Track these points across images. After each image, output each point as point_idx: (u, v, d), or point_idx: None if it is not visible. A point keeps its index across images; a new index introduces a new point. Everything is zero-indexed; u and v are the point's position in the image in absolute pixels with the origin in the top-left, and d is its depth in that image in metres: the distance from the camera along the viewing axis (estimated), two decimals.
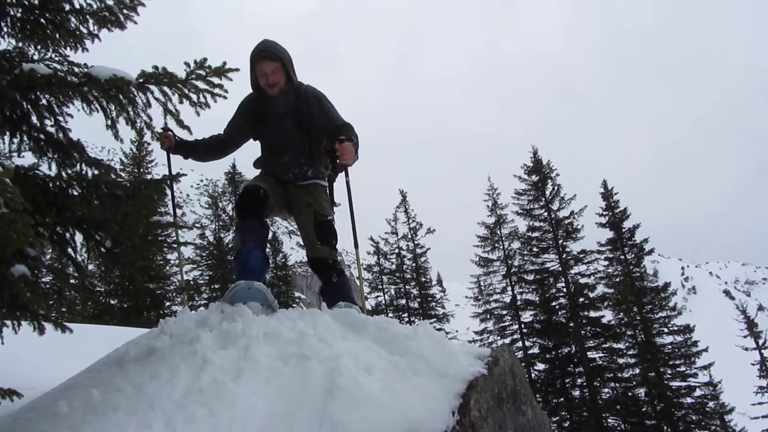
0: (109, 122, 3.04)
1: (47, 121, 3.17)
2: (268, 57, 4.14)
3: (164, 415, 2.38)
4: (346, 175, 4.42)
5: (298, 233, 4.42)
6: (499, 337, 27.21)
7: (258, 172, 4.49)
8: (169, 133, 4.23)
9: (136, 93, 2.95)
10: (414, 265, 29.51)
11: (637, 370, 24.51)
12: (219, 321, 3.17)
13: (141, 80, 2.89)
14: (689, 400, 23.62)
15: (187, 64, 2.92)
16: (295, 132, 4.28)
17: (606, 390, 24.68)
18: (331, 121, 4.22)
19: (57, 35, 3.82)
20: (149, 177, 23.26)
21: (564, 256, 26.27)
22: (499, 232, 28.64)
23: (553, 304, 26.34)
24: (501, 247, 28.44)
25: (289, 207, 4.38)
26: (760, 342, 25.05)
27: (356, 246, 4.52)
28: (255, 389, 2.57)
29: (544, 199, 27.28)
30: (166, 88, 2.98)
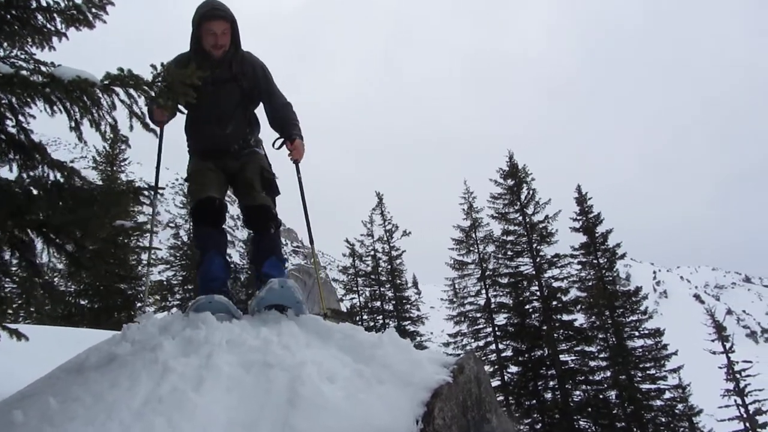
0: (73, 124, 2.98)
1: (8, 122, 3.10)
2: (220, 16, 3.93)
3: (122, 425, 2.34)
4: (297, 171, 4.37)
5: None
6: (472, 340, 27.32)
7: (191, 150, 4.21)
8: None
9: (101, 95, 2.90)
10: (389, 267, 29.49)
11: (608, 373, 24.81)
12: (182, 328, 3.13)
13: (106, 82, 2.84)
14: (659, 402, 23.99)
15: (154, 67, 2.88)
16: (239, 101, 4.15)
17: (577, 392, 24.93)
18: (275, 98, 4.25)
19: (23, 33, 3.75)
20: (122, 175, 22.91)
21: (538, 259, 26.49)
22: (474, 235, 28.77)
23: (527, 307, 26.54)
24: (476, 250, 28.58)
25: (231, 177, 4.14)
26: (728, 346, 25.47)
27: (311, 242, 4.54)
28: (216, 398, 2.54)
29: (519, 203, 27.48)
30: (132, 91, 2.93)
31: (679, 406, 24.14)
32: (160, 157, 4.29)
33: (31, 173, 3.17)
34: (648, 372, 24.40)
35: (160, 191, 3.91)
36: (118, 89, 2.89)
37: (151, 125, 3.15)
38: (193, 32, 4.00)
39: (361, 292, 29.44)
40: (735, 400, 24.58)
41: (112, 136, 3.15)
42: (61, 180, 2.99)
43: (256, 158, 4.25)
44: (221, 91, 4.06)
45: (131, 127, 2.99)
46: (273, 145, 4.30)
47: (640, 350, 24.84)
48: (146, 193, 3.30)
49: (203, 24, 3.93)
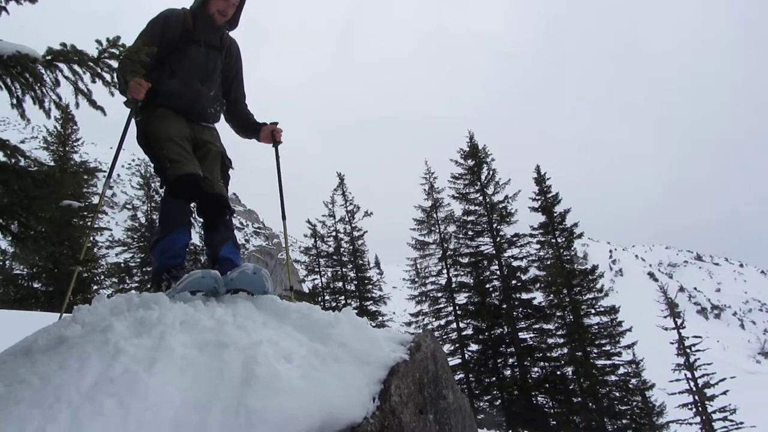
0: (14, 101, 2.88)
1: None
2: None
3: (70, 407, 2.29)
4: (277, 153, 4.57)
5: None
6: (434, 319, 27.66)
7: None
8: (140, 79, 3.67)
9: (43, 71, 2.80)
10: (351, 248, 29.53)
11: (566, 350, 25.45)
12: (135, 308, 3.07)
13: (48, 57, 2.74)
14: (613, 377, 24.72)
15: (99, 42, 2.79)
16: (220, 70, 4.23)
17: (536, 369, 25.54)
18: (242, 91, 4.48)
19: None
20: (75, 156, 22.32)
21: (498, 239, 26.88)
22: (435, 215, 29.01)
23: (487, 286, 26.95)
24: (437, 230, 28.83)
25: (193, 147, 4.06)
26: (679, 322, 26.29)
27: (284, 218, 4.60)
28: (169, 379, 2.50)
29: (479, 183, 27.78)
30: (76, 67, 2.83)
31: (633, 380, 24.92)
32: (123, 139, 4.14)
33: None
34: (603, 348, 25.09)
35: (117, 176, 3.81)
36: (61, 65, 2.79)
37: (98, 103, 3.05)
38: None
39: (323, 272, 29.44)
40: (685, 374, 25.46)
41: (60, 115, 3.05)
42: (3, 159, 2.88)
43: (218, 140, 4.26)
44: (209, 55, 4.11)
45: (77, 105, 2.90)
46: (254, 128, 4.45)
47: (596, 327, 25.50)
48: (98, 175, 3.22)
49: None
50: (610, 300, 26.89)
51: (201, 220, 4.07)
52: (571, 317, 25.65)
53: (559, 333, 25.86)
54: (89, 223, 19.10)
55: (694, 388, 24.99)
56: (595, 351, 24.99)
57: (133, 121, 4.02)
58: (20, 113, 2.90)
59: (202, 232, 4.23)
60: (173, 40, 3.95)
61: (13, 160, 3.03)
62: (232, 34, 4.39)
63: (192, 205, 4.03)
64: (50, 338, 2.98)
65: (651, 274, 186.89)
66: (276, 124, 4.46)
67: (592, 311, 25.72)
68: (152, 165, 4.06)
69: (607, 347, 25.06)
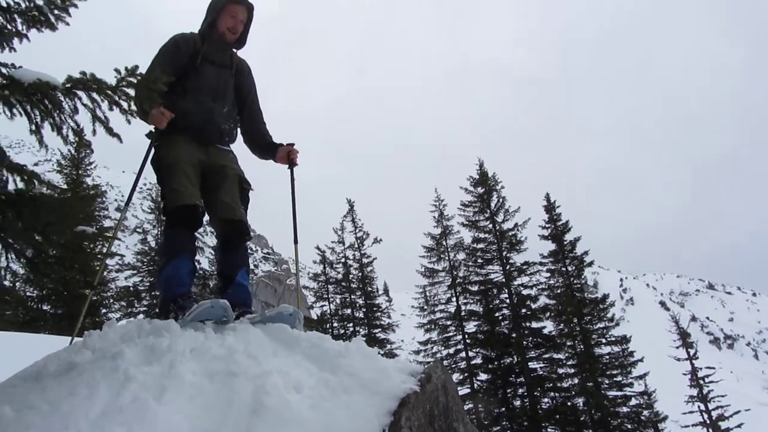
0: (33, 127, 2.92)
1: None
2: (247, 6, 4.18)
3: None
4: (292, 175, 4.55)
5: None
6: (443, 348, 27.38)
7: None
8: (164, 109, 3.70)
9: (62, 98, 2.84)
10: (360, 274, 29.45)
11: (576, 380, 25.06)
12: (145, 335, 3.07)
13: (68, 85, 2.78)
14: (625, 409, 24.26)
15: (117, 71, 2.83)
16: (231, 89, 4.25)
17: (546, 399, 25.14)
18: (258, 110, 4.48)
19: None
20: (88, 179, 22.51)
21: (507, 267, 26.71)
22: (445, 243, 28.91)
23: (497, 314, 26.70)
24: (447, 258, 28.70)
25: (208, 172, 4.04)
26: (692, 352, 25.95)
27: (296, 242, 4.55)
28: (178, 408, 2.49)
29: (489, 210, 27.71)
30: (95, 95, 2.87)
31: (645, 412, 24.47)
32: (142, 170, 4.11)
33: None
34: (615, 379, 24.70)
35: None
36: (80, 93, 2.83)
37: (115, 131, 3.08)
38: (212, 12, 4.13)
39: (331, 299, 29.33)
40: (699, 406, 25.05)
41: (75, 140, 3.09)
42: (21, 184, 2.91)
43: (236, 162, 4.25)
44: (221, 73, 4.15)
45: (94, 132, 2.93)
46: (270, 148, 4.43)
47: (607, 357, 25.15)
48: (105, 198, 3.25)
49: (228, 6, 4.10)
50: (621, 329, 26.58)
51: (211, 244, 4.08)
52: (581, 347, 25.32)
53: (569, 363, 25.49)
54: (103, 249, 19.27)
55: (708, 421, 24.55)
56: (607, 381, 24.62)
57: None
58: (38, 139, 2.94)
59: (214, 255, 4.22)
60: (184, 63, 4.00)
61: (29, 186, 3.06)
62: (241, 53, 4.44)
63: (202, 230, 4.03)
64: (60, 363, 2.97)
65: (662, 303, 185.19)
66: (292, 145, 4.45)
67: (603, 341, 25.38)
68: (160, 191, 4.07)
69: (619, 378, 24.68)
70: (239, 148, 4.44)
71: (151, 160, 4.04)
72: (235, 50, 4.33)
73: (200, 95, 4.02)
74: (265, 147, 4.49)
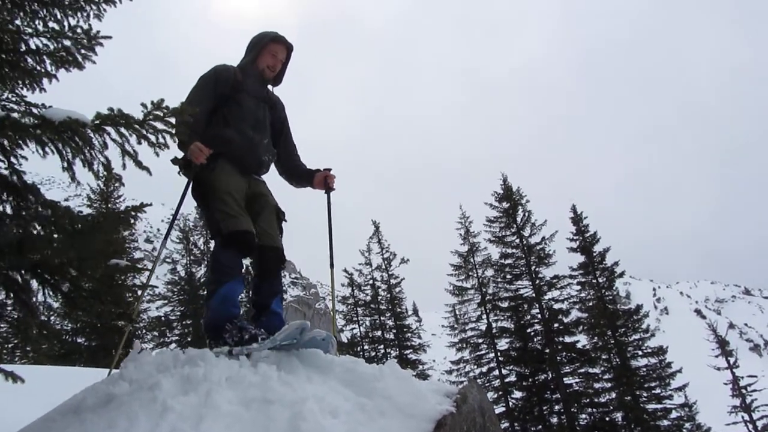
0: (65, 164, 2.98)
1: (0, 164, 3.10)
2: (287, 45, 4.34)
3: None
4: (329, 200, 4.59)
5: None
6: (475, 366, 27.12)
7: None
8: (201, 145, 3.77)
9: (92, 135, 2.90)
10: (389, 295, 29.39)
11: (614, 395, 24.59)
12: (180, 365, 3.08)
13: (97, 122, 2.85)
14: (666, 422, 23.72)
15: (144, 105, 2.89)
16: (269, 122, 4.32)
17: (583, 416, 24.68)
18: (292, 143, 4.57)
19: (13, 75, 3.78)
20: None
21: (537, 282, 26.44)
22: (472, 260, 28.75)
23: (529, 330, 26.40)
24: (475, 275, 28.53)
25: (249, 200, 4.07)
26: (732, 361, 25.32)
27: (332, 266, 4.56)
28: None
29: (515, 225, 27.55)
30: (123, 130, 2.93)
31: (687, 425, 23.90)
32: (180, 206, 4.16)
33: (25, 214, 3.15)
34: (653, 392, 24.20)
35: (158, 233, 3.87)
36: (109, 129, 2.89)
37: (144, 164, 3.13)
38: (252, 49, 4.28)
39: (361, 321, 29.29)
40: (742, 417, 24.40)
41: (105, 174, 3.15)
42: (55, 220, 2.98)
43: (270, 192, 4.29)
44: (259, 105, 4.24)
45: (124, 166, 2.98)
46: (307, 175, 4.49)
47: (644, 369, 24.66)
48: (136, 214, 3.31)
49: (270, 45, 4.27)
50: (657, 340, 26.06)
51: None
52: (617, 360, 24.87)
53: (605, 377, 25.05)
54: (135, 280, 19.56)
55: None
56: (645, 395, 24.11)
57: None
58: (71, 176, 3.00)
59: (252, 282, 4.20)
60: (225, 93, 4.08)
61: (63, 222, 3.12)
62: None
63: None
64: (98, 396, 2.99)
65: (698, 311, 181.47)
66: (329, 170, 4.51)
67: (639, 353, 24.90)
68: (204, 216, 4.11)
69: (657, 390, 24.15)
70: (269, 177, 4.48)
71: (193, 187, 4.04)
72: (271, 87, 4.45)
73: (241, 125, 4.07)
74: (302, 175, 4.55)
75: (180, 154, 3.98)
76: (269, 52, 4.26)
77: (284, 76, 4.46)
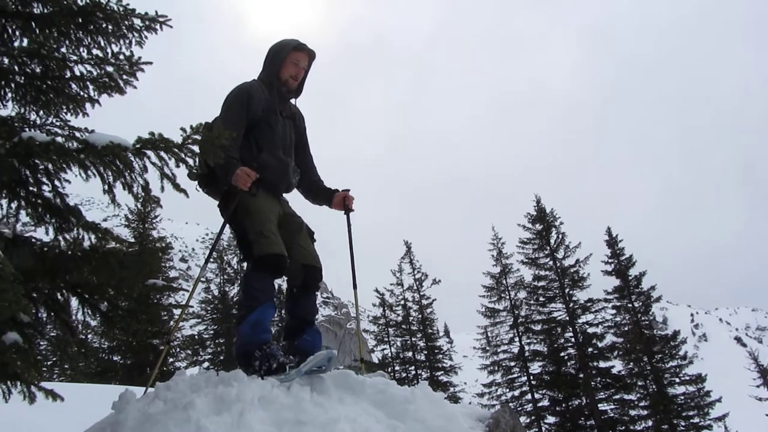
0: (106, 187, 3.06)
1: (44, 187, 3.20)
2: (309, 53, 4.23)
3: None
4: (348, 220, 4.52)
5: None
6: (507, 390, 26.74)
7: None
8: (248, 169, 3.72)
9: (132, 158, 2.98)
10: (420, 316, 29.23)
11: (650, 422, 23.98)
12: (213, 385, 3.12)
13: (138, 146, 2.93)
14: None
15: (183, 130, 2.96)
16: (293, 140, 4.27)
17: None
18: (310, 156, 4.50)
19: (58, 101, 3.91)
20: (154, 232, 23.35)
21: (571, 305, 26.05)
22: (505, 281, 28.49)
23: (562, 354, 25.97)
24: (507, 296, 28.25)
25: (282, 221, 4.05)
26: None
27: (355, 287, 4.51)
28: None
29: (548, 247, 27.25)
30: (162, 153, 3.01)
31: None
32: (221, 234, 4.18)
33: (67, 236, 3.25)
34: (692, 421, 23.52)
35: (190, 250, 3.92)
36: (149, 152, 2.97)
37: (181, 186, 3.19)
38: (274, 60, 4.16)
39: (392, 342, 29.15)
40: None
41: (143, 196, 3.23)
42: (95, 241, 3.06)
43: (294, 211, 4.30)
44: (286, 124, 4.18)
45: (162, 189, 3.05)
46: (325, 194, 4.46)
47: (682, 397, 24.02)
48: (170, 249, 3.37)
49: (292, 53, 4.15)
50: (695, 368, 25.38)
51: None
52: (653, 387, 24.27)
53: (641, 404, 24.45)
54: (172, 300, 19.87)
55: None
56: (683, 423, 23.44)
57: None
58: (111, 198, 3.08)
59: (288, 299, 4.18)
60: (257, 114, 4.02)
61: (103, 243, 3.21)
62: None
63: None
64: (135, 415, 3.05)
65: (738, 339, 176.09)
66: (348, 191, 4.45)
67: (677, 380, 24.28)
68: (236, 239, 4.09)
69: (696, 419, 23.45)
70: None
71: (222, 209, 4.04)
72: (293, 101, 4.38)
73: (274, 149, 4.03)
74: (320, 193, 4.50)
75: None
76: (291, 62, 4.14)
77: (304, 86, 4.34)
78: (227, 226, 4.06)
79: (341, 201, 4.44)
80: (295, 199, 4.48)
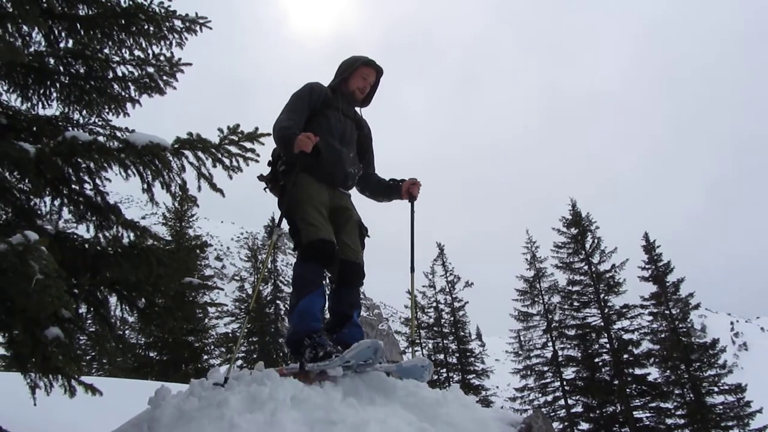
0: (145, 186, 3.13)
1: (86, 185, 3.28)
2: (378, 70, 4.42)
3: None
4: (412, 208, 4.52)
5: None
6: (540, 395, 26.46)
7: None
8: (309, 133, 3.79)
9: (171, 158, 3.04)
10: (452, 319, 29.11)
11: None
12: (246, 384, 3.15)
13: (176, 146, 2.98)
14: None
15: (221, 130, 3.01)
16: (355, 138, 4.39)
17: None
18: (373, 165, 4.60)
19: (100, 101, 4.01)
20: (190, 230, 23.68)
21: (606, 310, 25.64)
22: (538, 285, 28.20)
23: (596, 360, 25.57)
24: (541, 301, 27.95)
25: (333, 213, 4.10)
26: None
27: (412, 270, 4.47)
28: None
29: (583, 252, 26.87)
30: (200, 153, 3.06)
31: None
32: (280, 222, 4.03)
33: (107, 233, 3.32)
34: (731, 431, 22.91)
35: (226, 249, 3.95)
36: (187, 152, 3.03)
37: (218, 186, 3.25)
38: (344, 72, 4.35)
39: (424, 344, 29.07)
40: None
41: (181, 195, 3.28)
42: (134, 239, 3.12)
43: (354, 207, 4.34)
44: (347, 122, 4.32)
45: (199, 188, 3.11)
46: (392, 187, 4.48)
47: (721, 407, 23.44)
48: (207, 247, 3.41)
49: (362, 68, 4.35)
50: (735, 377, 24.74)
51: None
52: (691, 395, 23.73)
53: (678, 413, 23.92)
54: (207, 298, 20.15)
55: None
56: None
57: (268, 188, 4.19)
58: (150, 197, 3.14)
59: (330, 294, 4.21)
60: (317, 107, 4.18)
61: (141, 240, 3.27)
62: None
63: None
64: (169, 411, 3.10)
65: None
66: (414, 179, 4.48)
67: (715, 389, 23.70)
68: (289, 230, 4.12)
69: (735, 430, 22.86)
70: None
71: (279, 202, 4.13)
72: (359, 109, 4.54)
73: (329, 137, 4.11)
74: (387, 188, 4.55)
75: (266, 171, 4.08)
76: (360, 75, 4.34)
77: (372, 98, 4.54)
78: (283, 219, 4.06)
79: (407, 189, 4.48)
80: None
